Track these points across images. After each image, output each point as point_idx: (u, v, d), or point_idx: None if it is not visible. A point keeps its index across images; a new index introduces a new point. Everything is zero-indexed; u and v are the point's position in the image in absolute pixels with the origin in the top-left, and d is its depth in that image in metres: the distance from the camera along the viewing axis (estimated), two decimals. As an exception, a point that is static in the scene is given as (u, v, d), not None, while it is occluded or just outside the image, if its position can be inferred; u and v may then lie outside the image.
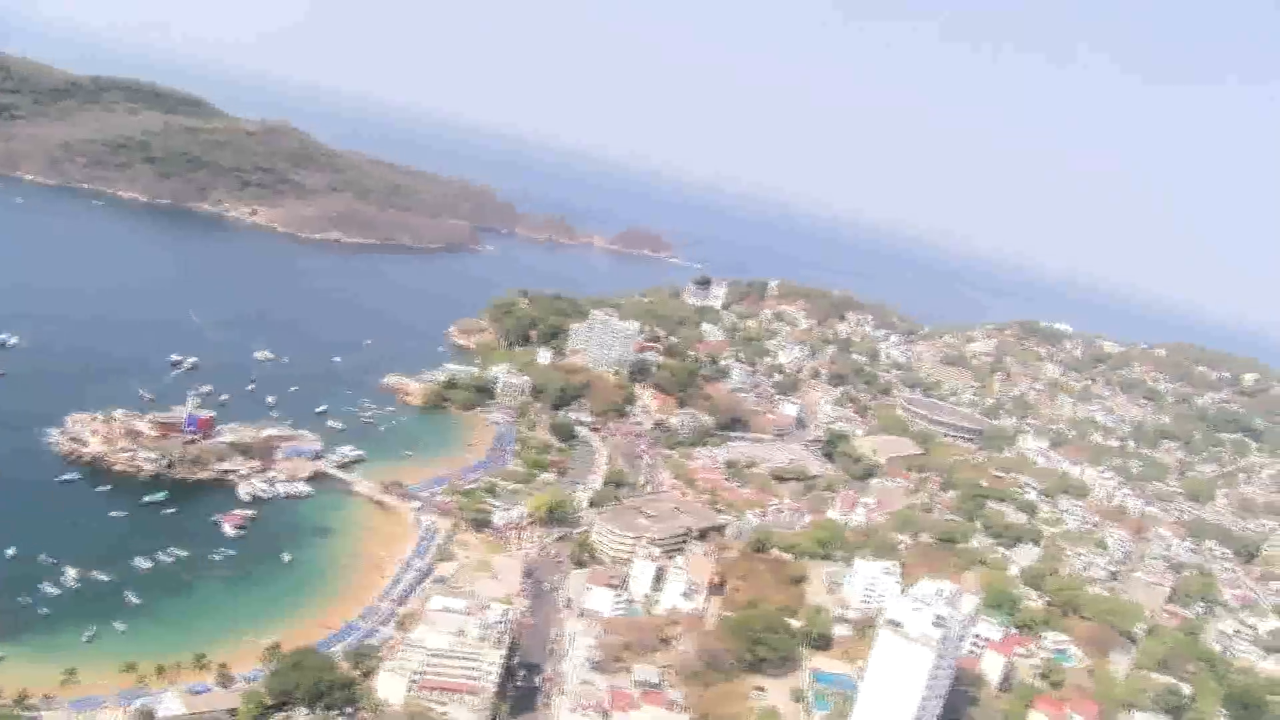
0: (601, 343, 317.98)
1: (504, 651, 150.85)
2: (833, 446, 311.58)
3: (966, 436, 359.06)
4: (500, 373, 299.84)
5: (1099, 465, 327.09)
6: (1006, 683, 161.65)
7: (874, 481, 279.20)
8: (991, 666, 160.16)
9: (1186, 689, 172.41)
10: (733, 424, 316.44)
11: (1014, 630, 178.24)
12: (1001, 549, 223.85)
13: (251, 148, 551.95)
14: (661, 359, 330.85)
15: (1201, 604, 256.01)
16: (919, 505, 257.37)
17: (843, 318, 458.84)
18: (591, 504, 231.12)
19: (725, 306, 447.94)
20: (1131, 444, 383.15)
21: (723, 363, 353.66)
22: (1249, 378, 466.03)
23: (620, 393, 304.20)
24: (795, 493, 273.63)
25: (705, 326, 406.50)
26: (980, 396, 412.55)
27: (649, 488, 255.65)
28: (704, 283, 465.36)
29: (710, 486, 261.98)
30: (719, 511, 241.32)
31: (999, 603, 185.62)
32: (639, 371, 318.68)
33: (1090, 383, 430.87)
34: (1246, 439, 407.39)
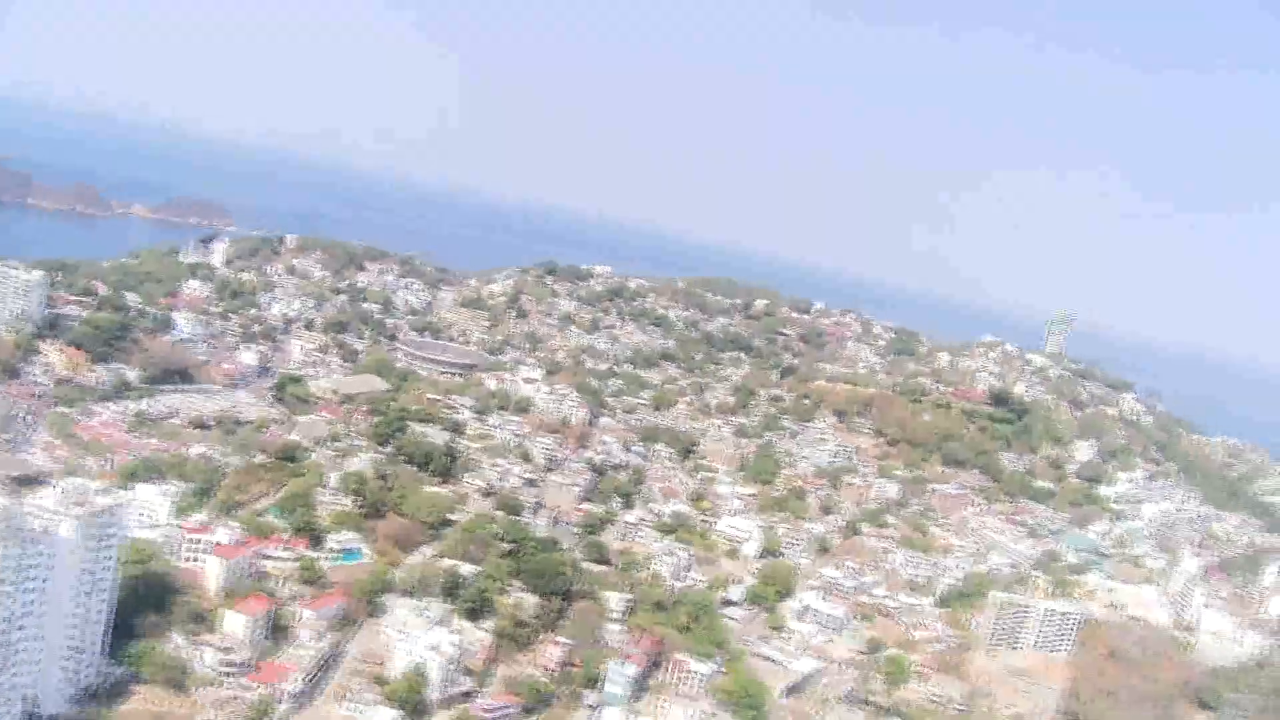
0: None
1: None
2: (283, 390, 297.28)
3: (458, 372, 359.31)
4: None
5: (566, 384, 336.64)
6: (235, 586, 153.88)
7: (301, 419, 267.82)
8: (213, 571, 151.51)
9: (469, 569, 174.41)
10: (171, 375, 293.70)
11: (287, 534, 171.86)
12: (339, 462, 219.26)
13: None
14: (87, 314, 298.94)
15: (618, 498, 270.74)
16: (327, 436, 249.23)
17: (362, 268, 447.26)
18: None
19: (228, 263, 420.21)
20: (629, 367, 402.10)
21: (173, 315, 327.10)
22: (760, 304, 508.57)
23: (15, 352, 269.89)
24: (218, 438, 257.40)
25: (192, 283, 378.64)
26: (491, 334, 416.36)
27: (11, 448, 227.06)
28: (206, 240, 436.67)
29: (94, 439, 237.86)
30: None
31: (293, 508, 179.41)
32: (51, 328, 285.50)
33: (603, 315, 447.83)
34: (744, 356, 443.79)
